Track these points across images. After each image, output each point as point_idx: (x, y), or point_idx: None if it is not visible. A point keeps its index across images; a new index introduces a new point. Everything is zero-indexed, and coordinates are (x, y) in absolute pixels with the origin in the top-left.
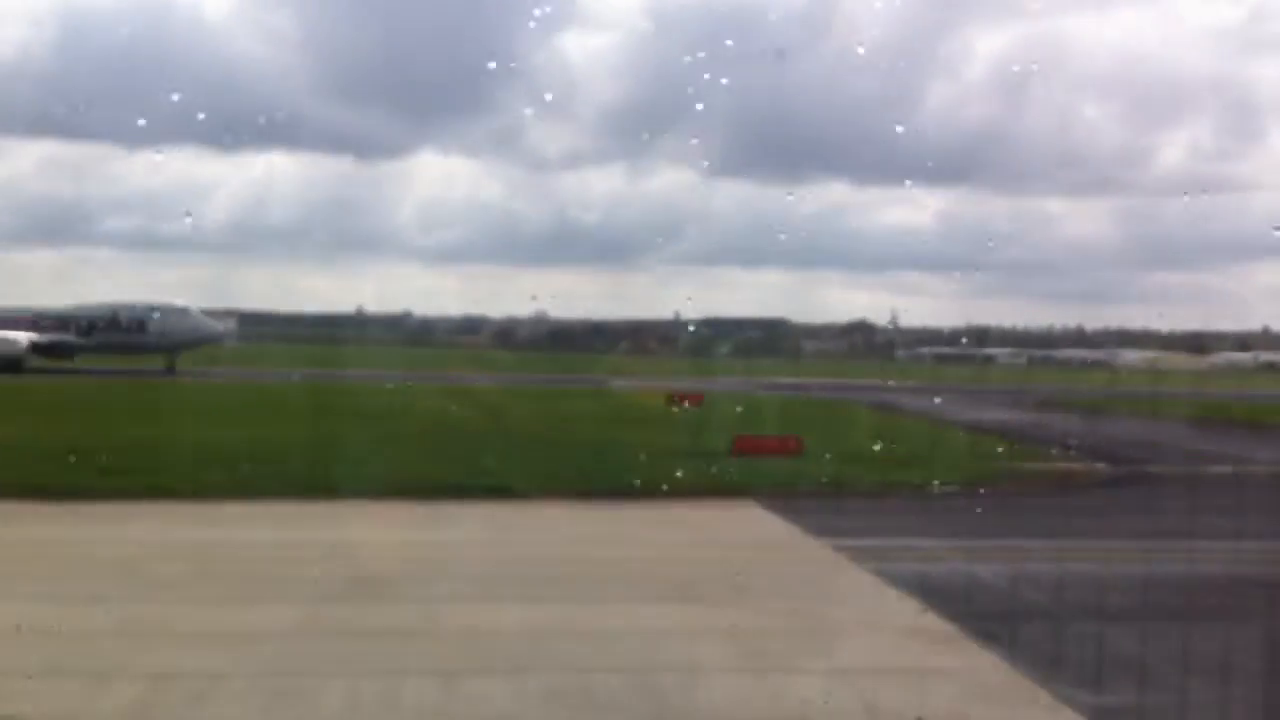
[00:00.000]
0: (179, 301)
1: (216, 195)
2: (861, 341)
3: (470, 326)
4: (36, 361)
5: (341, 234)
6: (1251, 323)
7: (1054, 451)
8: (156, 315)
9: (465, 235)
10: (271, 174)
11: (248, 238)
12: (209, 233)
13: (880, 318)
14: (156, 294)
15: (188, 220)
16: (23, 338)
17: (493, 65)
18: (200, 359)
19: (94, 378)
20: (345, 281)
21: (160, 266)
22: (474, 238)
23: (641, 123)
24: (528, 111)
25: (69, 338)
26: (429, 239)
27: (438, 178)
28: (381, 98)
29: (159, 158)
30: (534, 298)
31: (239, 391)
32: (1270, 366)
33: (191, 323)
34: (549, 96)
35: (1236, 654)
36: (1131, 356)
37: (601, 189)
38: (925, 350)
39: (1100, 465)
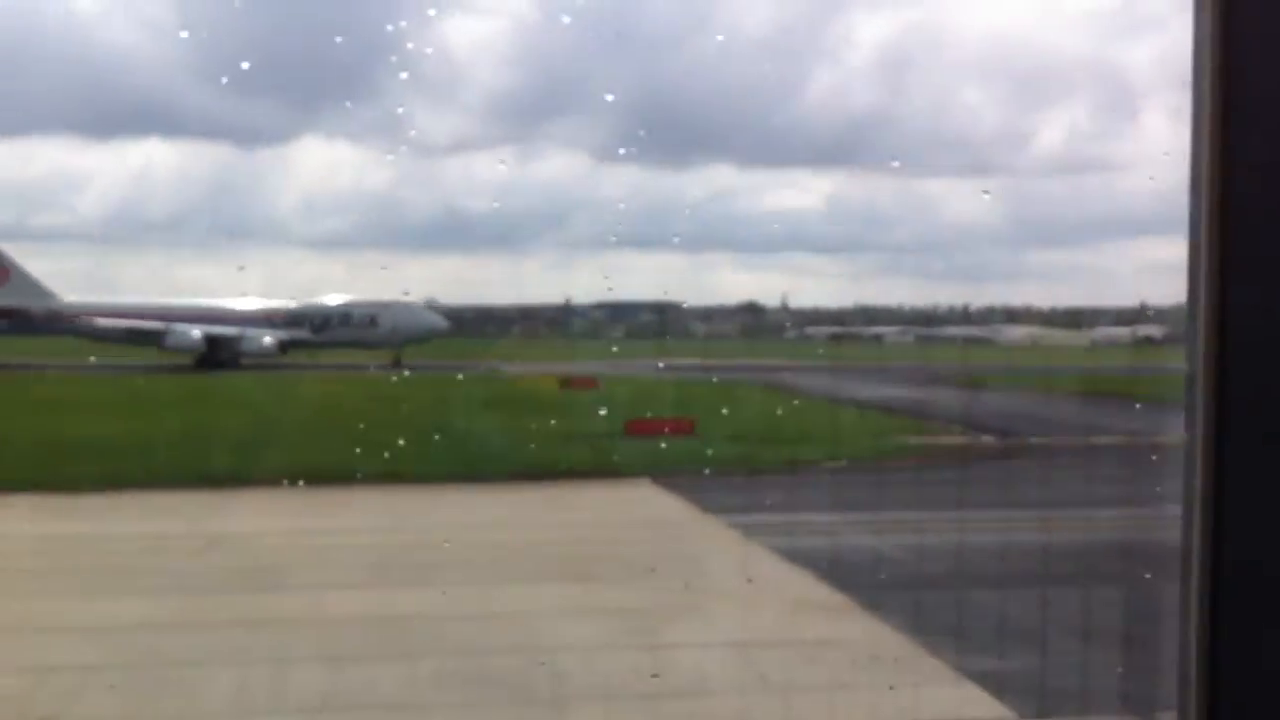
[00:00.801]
0: (408, 298)
1: (92, 185)
2: (752, 323)
3: None
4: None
5: (224, 223)
6: (1129, 299)
7: (940, 426)
8: (388, 311)
9: (351, 222)
10: (149, 163)
11: (126, 228)
12: (86, 224)
13: (770, 299)
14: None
15: None
16: (269, 337)
17: (376, 51)
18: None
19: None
20: (229, 272)
21: (35, 258)
22: (361, 224)
23: (529, 109)
24: (413, 97)
25: (305, 334)
26: (314, 227)
27: (321, 164)
28: (261, 84)
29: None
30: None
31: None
32: (1148, 341)
33: (419, 317)
34: (434, 82)
35: (1101, 614)
36: (1014, 333)
37: (489, 175)
38: (815, 330)
39: (986, 438)
